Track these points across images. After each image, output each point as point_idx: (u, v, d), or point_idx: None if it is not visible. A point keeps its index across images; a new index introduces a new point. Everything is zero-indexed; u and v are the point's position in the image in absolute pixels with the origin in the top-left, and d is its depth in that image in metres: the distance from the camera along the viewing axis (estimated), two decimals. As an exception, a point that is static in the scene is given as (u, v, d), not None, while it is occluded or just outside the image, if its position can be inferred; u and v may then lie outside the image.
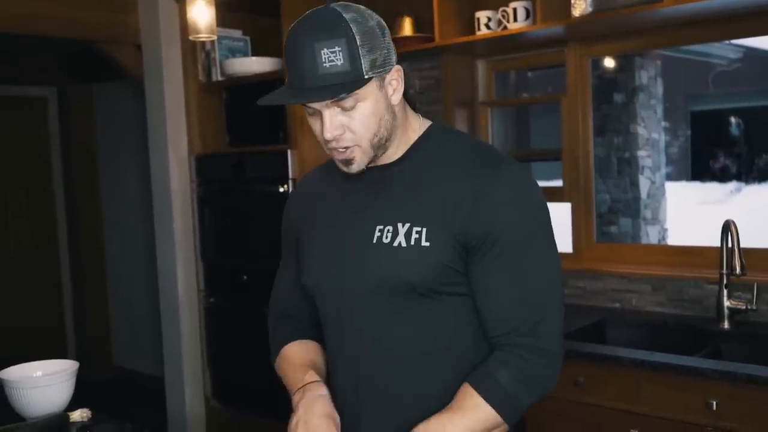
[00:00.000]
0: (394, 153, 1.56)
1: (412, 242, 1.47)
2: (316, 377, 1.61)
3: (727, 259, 2.76)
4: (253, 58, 3.83)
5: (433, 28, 3.32)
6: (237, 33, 4.01)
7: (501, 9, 3.15)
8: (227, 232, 3.91)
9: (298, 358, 1.70)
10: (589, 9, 2.88)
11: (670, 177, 7.88)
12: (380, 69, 1.44)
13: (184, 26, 3.78)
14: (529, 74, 6.43)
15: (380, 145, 1.51)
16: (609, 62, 6.65)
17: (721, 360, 2.63)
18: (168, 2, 3.98)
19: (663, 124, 7.52)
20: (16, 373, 2.10)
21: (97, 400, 2.29)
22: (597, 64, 6.26)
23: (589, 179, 3.38)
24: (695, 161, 9.33)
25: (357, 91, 1.41)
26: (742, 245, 2.70)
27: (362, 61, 1.40)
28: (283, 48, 1.44)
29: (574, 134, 3.37)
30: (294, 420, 1.55)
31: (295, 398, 1.59)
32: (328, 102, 1.42)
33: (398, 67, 1.49)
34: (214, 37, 3.26)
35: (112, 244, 6.23)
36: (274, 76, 3.68)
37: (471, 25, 3.31)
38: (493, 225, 1.44)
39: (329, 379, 1.68)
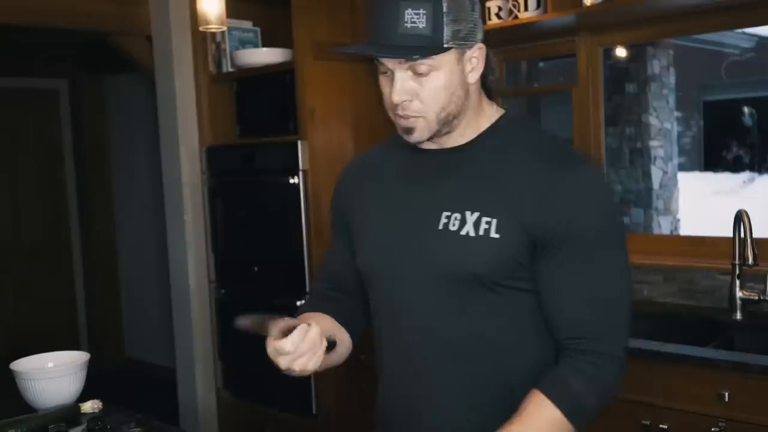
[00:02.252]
0: (462, 136, 1.51)
1: (481, 232, 1.41)
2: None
3: (739, 249, 2.74)
4: (264, 49, 3.82)
5: (443, 17, 3.29)
6: (247, 24, 4.00)
7: (512, -2, 3.14)
8: (238, 223, 3.91)
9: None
10: (601, -2, 2.86)
11: (682, 167, 7.84)
12: (462, 42, 1.40)
13: (195, 17, 3.78)
14: (541, 64, 6.40)
15: (447, 122, 1.45)
16: (621, 52, 6.61)
17: (734, 351, 2.62)
18: (178, -7, 3.98)
19: (675, 114, 7.48)
20: (27, 364, 2.11)
21: (108, 391, 2.29)
22: (609, 53, 6.22)
23: (600, 170, 3.37)
24: (708, 151, 9.28)
25: (433, 58, 1.37)
26: (754, 235, 2.68)
27: (444, 29, 1.36)
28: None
29: (586, 124, 3.35)
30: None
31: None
32: (402, 63, 1.39)
33: (482, 45, 1.45)
34: (224, 28, 3.26)
35: (124, 235, 6.25)
36: (284, 67, 3.67)
37: (481, 15, 3.29)
38: (568, 223, 1.38)
39: (379, 362, 1.67)
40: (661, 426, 2.38)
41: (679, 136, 7.85)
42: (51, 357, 2.17)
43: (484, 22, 3.22)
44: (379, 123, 3.84)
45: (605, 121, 3.39)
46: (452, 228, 1.44)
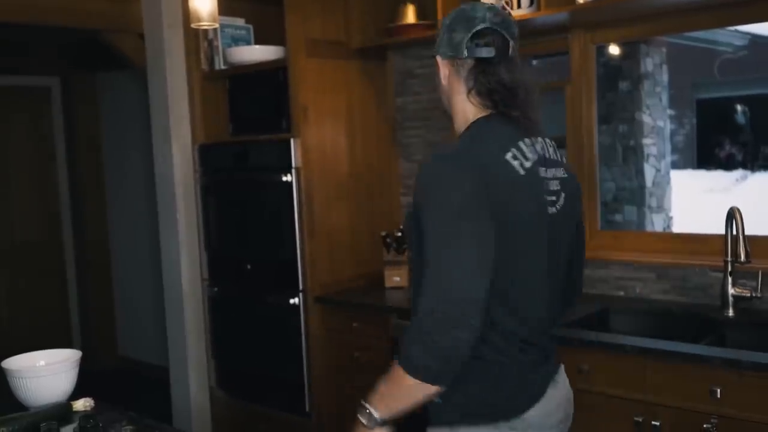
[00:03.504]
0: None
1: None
2: None
3: (731, 246, 2.75)
4: (256, 46, 3.82)
5: (436, 15, 3.30)
6: (240, 21, 3.99)
7: (504, -4, 3.13)
8: (231, 221, 3.91)
9: None
10: (593, -5, 2.86)
11: (675, 165, 7.84)
12: (436, 51, 1.87)
13: (187, 14, 3.76)
14: (533, 62, 6.41)
15: (451, 115, 1.90)
16: (614, 49, 6.61)
17: (726, 347, 2.62)
18: (170, -9, 3.97)
19: (668, 111, 7.48)
20: (19, 362, 2.11)
21: (101, 390, 2.29)
22: (602, 51, 6.22)
23: (593, 167, 3.37)
24: (701, 149, 9.28)
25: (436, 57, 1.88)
26: (747, 233, 2.69)
27: (438, 38, 1.88)
28: None
29: (578, 122, 3.35)
30: None
31: None
32: None
33: (440, 60, 1.87)
34: (216, 25, 3.24)
35: (117, 233, 6.23)
36: (277, 64, 3.67)
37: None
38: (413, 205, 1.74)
39: None
40: (653, 422, 2.39)
41: (672, 134, 7.84)
42: (43, 355, 2.17)
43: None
44: (372, 121, 3.85)
45: (598, 119, 3.40)
46: None
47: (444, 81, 1.87)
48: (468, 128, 1.82)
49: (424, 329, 1.58)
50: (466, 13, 1.83)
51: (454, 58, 1.83)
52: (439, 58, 1.86)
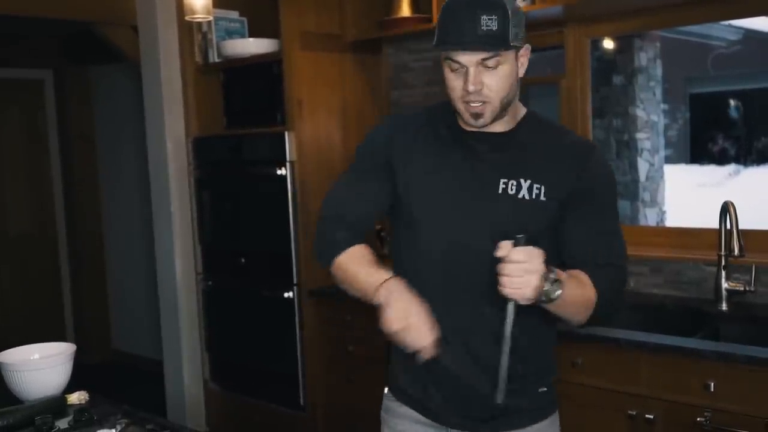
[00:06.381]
0: (508, 123, 1.81)
1: (533, 196, 1.75)
2: (391, 273, 1.77)
3: (725, 240, 2.75)
4: (251, 39, 3.81)
5: (431, 8, 3.30)
6: (234, 14, 3.98)
7: (500, -11, 3.12)
8: (225, 214, 3.90)
9: (366, 259, 1.84)
10: (589, -11, 2.86)
11: (668, 159, 7.86)
12: (519, 42, 1.68)
13: (181, 7, 3.76)
14: (528, 56, 6.41)
15: (505, 107, 1.74)
16: (608, 44, 6.61)
17: (720, 341, 2.63)
18: (164, -17, 3.95)
19: (662, 106, 7.49)
20: (13, 356, 2.10)
21: (96, 383, 2.28)
22: (596, 45, 6.22)
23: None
24: (694, 144, 9.30)
25: (502, 53, 1.66)
26: (740, 227, 2.70)
27: (510, 31, 1.64)
28: (443, 9, 1.69)
29: (573, 116, 3.35)
30: (392, 314, 1.68)
31: (381, 293, 1.72)
32: (478, 59, 1.66)
33: (529, 46, 1.74)
34: (210, 18, 3.25)
35: (111, 226, 6.22)
36: (271, 57, 3.66)
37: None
38: (593, 187, 1.80)
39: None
40: (647, 416, 2.39)
41: (666, 128, 7.85)
42: (37, 348, 2.16)
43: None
44: (367, 114, 3.85)
45: (592, 113, 3.40)
46: (510, 192, 1.76)
47: (522, 71, 1.76)
48: (535, 119, 1.86)
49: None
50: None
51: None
52: (527, 48, 1.75)
